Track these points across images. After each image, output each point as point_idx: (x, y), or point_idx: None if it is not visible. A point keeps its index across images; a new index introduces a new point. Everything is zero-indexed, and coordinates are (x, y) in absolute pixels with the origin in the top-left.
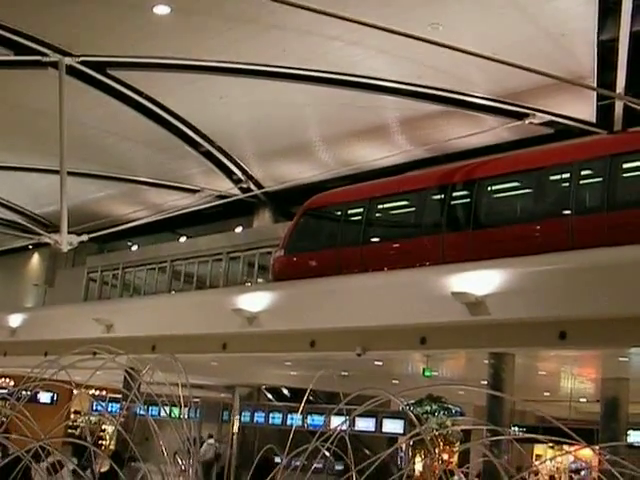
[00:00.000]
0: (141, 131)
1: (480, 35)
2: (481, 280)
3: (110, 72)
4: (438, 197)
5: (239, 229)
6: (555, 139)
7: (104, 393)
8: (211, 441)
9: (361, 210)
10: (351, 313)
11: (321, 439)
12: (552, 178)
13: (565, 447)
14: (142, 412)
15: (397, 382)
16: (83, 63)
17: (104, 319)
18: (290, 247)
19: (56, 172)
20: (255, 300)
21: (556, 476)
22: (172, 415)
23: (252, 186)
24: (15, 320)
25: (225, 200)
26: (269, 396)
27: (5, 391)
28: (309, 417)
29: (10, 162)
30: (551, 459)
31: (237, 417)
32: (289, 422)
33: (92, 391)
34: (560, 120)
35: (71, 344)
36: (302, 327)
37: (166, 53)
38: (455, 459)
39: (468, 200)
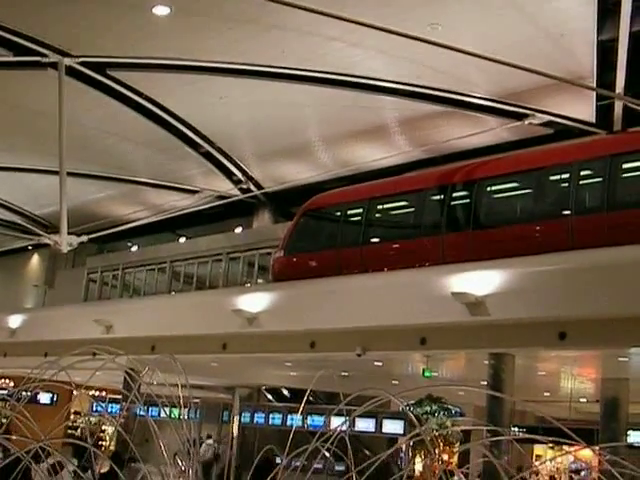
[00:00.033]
0: (141, 132)
1: (480, 35)
2: (481, 280)
3: (110, 73)
4: (438, 197)
5: (239, 230)
6: (555, 139)
7: (104, 394)
8: (210, 441)
9: (361, 211)
10: (351, 314)
11: (321, 439)
12: (552, 178)
13: (565, 447)
14: (142, 413)
15: (397, 382)
16: (83, 64)
17: (104, 320)
18: (290, 248)
19: (56, 173)
20: (255, 301)
21: (556, 476)
22: (172, 416)
23: (252, 187)
24: (15, 321)
25: (225, 201)
26: (269, 397)
27: (5, 392)
28: (309, 418)
29: (10, 163)
30: (551, 459)
31: (237, 418)
32: (289, 423)
33: (92, 392)
34: (560, 120)
35: (71, 345)
36: (302, 328)
37: (166, 54)
38: (455, 459)
39: (468, 200)
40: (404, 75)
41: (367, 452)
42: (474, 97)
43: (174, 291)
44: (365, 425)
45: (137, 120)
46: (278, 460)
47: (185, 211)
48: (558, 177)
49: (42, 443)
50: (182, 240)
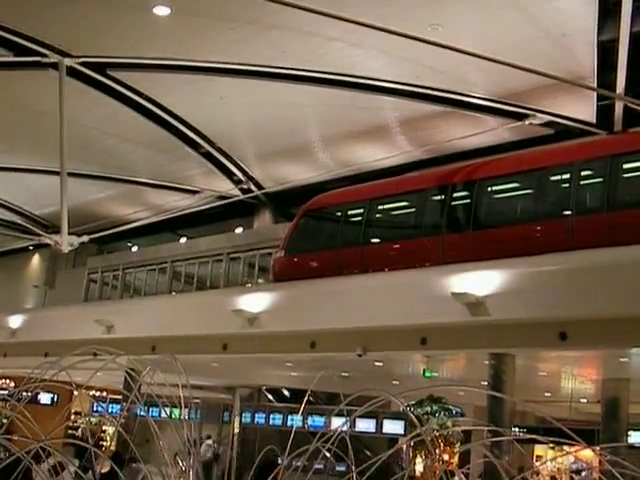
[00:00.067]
0: (141, 132)
1: (480, 35)
2: (481, 280)
3: (110, 73)
4: (438, 198)
5: (239, 230)
6: (555, 140)
7: (104, 394)
8: (209, 442)
9: (361, 211)
10: (351, 314)
11: (322, 440)
12: (552, 179)
13: (566, 448)
14: (142, 413)
15: (397, 383)
16: (83, 64)
17: (104, 320)
18: (290, 248)
19: (56, 173)
20: (255, 301)
21: (557, 477)
22: (172, 416)
23: (252, 187)
24: (15, 321)
25: (225, 201)
26: (270, 397)
27: (5, 392)
28: (309, 418)
29: (10, 163)
30: (552, 460)
31: (238, 418)
32: (290, 423)
33: (92, 392)
34: (560, 121)
35: (71, 345)
36: (302, 328)
37: (166, 54)
38: (456, 460)
39: (468, 201)
40: (404, 75)
41: (368, 452)
42: (474, 97)
43: (175, 291)
44: (366, 425)
45: (137, 120)
46: (280, 461)
47: (186, 211)
48: (559, 177)
49: (43, 443)
50: (183, 240)
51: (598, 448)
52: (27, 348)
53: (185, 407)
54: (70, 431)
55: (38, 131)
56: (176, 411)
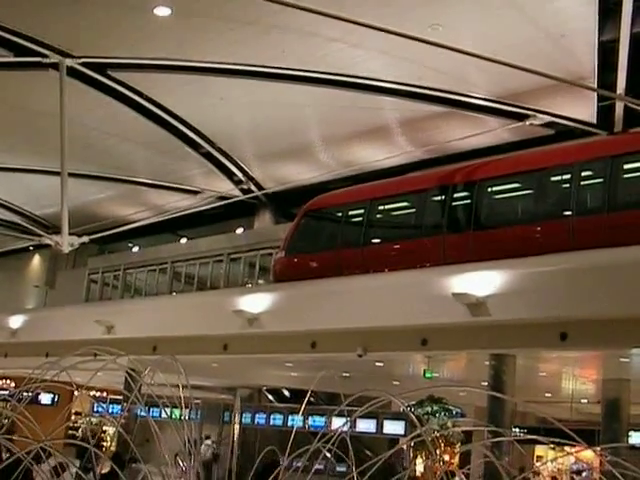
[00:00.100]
0: (142, 132)
1: (480, 36)
2: (482, 281)
3: (111, 73)
4: (439, 198)
5: (240, 230)
6: (556, 140)
7: (105, 394)
8: (208, 442)
9: (362, 211)
10: (352, 314)
11: (322, 440)
12: (553, 179)
13: (566, 448)
14: (143, 413)
15: (398, 383)
16: (84, 64)
17: (105, 320)
18: (291, 248)
19: (57, 173)
20: (256, 301)
21: (557, 477)
22: (173, 416)
23: (253, 187)
24: (16, 321)
25: (226, 201)
26: (270, 397)
27: (6, 392)
28: (310, 418)
29: (11, 163)
30: (552, 460)
31: (238, 418)
32: (290, 423)
33: (93, 392)
34: (561, 121)
35: (72, 345)
36: (303, 328)
37: (167, 54)
38: (456, 460)
39: (469, 201)
40: (405, 76)
41: (368, 453)
42: (475, 98)
43: (175, 292)
44: (366, 426)
45: (138, 120)
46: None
47: (186, 212)
48: (559, 178)
49: (43, 444)
50: (183, 241)
51: (599, 449)
52: (28, 348)
53: (185, 407)
54: (70, 431)
55: (39, 131)
56: (176, 411)
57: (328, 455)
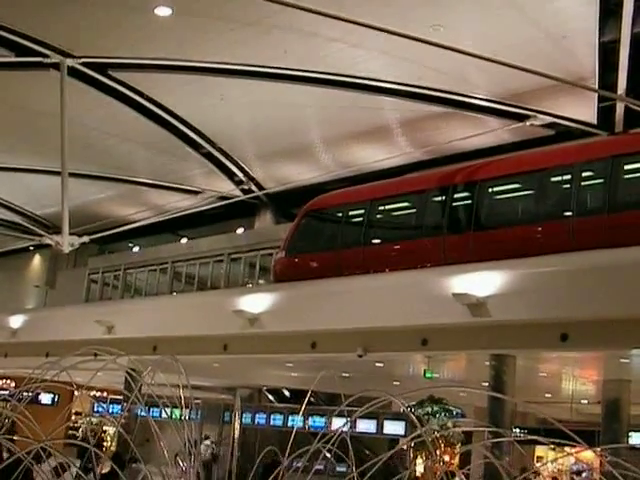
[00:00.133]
0: (142, 132)
1: (481, 36)
2: (482, 281)
3: (111, 73)
4: (439, 199)
5: (240, 230)
6: (556, 141)
7: (105, 394)
8: (207, 442)
9: (362, 212)
10: (352, 314)
11: (322, 441)
12: (553, 180)
13: (566, 449)
14: (143, 413)
15: (398, 383)
16: (84, 64)
17: (105, 320)
18: (291, 249)
19: (57, 173)
20: (256, 301)
21: (558, 478)
22: (173, 416)
23: (253, 187)
24: (16, 321)
25: (226, 201)
26: (270, 397)
27: (6, 392)
28: (310, 418)
29: (11, 163)
30: (552, 461)
31: (238, 418)
32: (290, 423)
33: (93, 392)
34: (561, 122)
35: (72, 345)
36: (303, 328)
37: (167, 54)
38: (456, 461)
39: (469, 202)
40: (405, 76)
41: (368, 453)
42: (476, 98)
43: (175, 292)
44: (366, 426)
45: (138, 120)
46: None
47: (186, 212)
48: (559, 178)
49: (43, 444)
50: (183, 241)
51: (599, 449)
52: (28, 348)
53: (186, 407)
54: (70, 431)
55: (39, 131)
56: (177, 411)
57: (328, 455)
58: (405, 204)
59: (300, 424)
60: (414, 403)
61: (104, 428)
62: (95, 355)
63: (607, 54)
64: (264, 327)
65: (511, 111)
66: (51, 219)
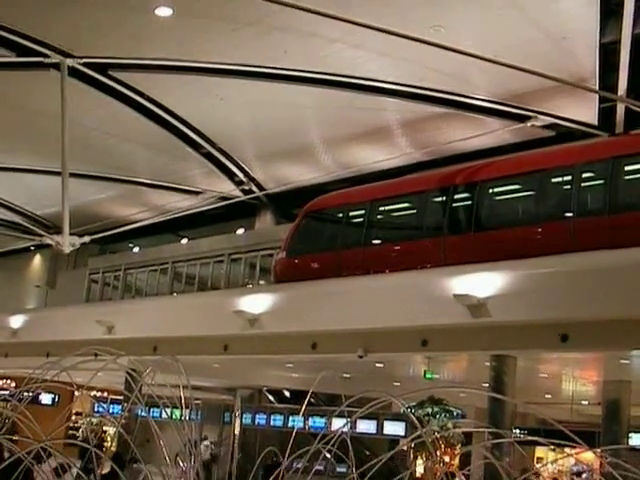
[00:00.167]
0: (142, 132)
1: (482, 37)
2: (482, 282)
3: (112, 73)
4: (440, 199)
5: (241, 231)
6: (557, 142)
7: (105, 395)
8: (206, 443)
9: (362, 212)
10: (352, 315)
11: (322, 441)
12: (554, 180)
13: (567, 450)
14: (143, 414)
15: (398, 384)
16: (85, 64)
17: (106, 320)
18: (292, 249)
19: (58, 173)
20: (257, 302)
21: (558, 479)
22: (173, 417)
23: (254, 188)
24: (17, 321)
25: (227, 202)
26: (270, 398)
27: (6, 392)
28: (310, 419)
29: (12, 163)
30: (553, 462)
31: (238, 419)
32: (290, 424)
33: (93, 393)
34: (562, 122)
35: (73, 345)
36: (303, 329)
37: (168, 55)
38: (456, 461)
39: (470, 202)
40: (406, 77)
41: (368, 453)
42: (476, 99)
43: (176, 292)
44: (366, 427)
45: (139, 121)
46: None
47: (187, 212)
48: (560, 179)
49: (44, 444)
50: (184, 241)
51: (599, 450)
52: (28, 348)
53: (186, 408)
54: (71, 431)
55: (40, 131)
56: (177, 412)
57: (328, 456)
58: (405, 205)
59: (300, 425)
60: (414, 404)
61: (104, 428)
62: (95, 355)
63: (608, 55)
64: (264, 328)
65: (511, 112)
66: (51, 219)
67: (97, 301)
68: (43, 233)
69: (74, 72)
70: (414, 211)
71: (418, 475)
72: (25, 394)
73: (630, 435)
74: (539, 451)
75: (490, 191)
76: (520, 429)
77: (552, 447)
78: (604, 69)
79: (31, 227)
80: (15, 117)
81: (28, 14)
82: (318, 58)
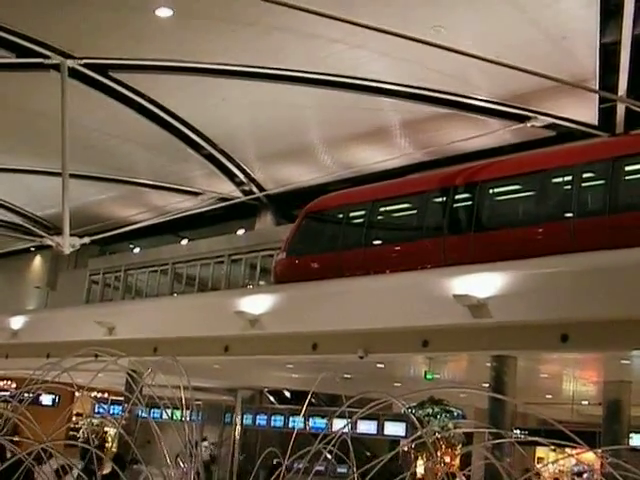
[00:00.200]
0: (143, 133)
1: (482, 38)
2: (483, 282)
3: (112, 74)
4: (440, 200)
5: (241, 231)
6: (557, 142)
7: (106, 395)
8: (205, 443)
9: (363, 213)
10: (353, 316)
11: (323, 442)
12: (554, 181)
13: (567, 450)
14: (144, 415)
15: (399, 385)
16: (85, 65)
17: (106, 321)
18: (292, 250)
19: (58, 174)
20: (257, 303)
21: (559, 479)
22: (174, 418)
23: (254, 188)
24: (17, 322)
25: (227, 202)
26: (271, 399)
27: (7, 393)
28: (311, 420)
29: (12, 164)
30: (553, 462)
31: (239, 420)
32: (291, 425)
33: (94, 394)
34: (562, 123)
35: (73, 346)
36: (304, 330)
37: (168, 55)
38: (457, 462)
39: (470, 203)
40: (406, 77)
41: (368, 454)
42: (477, 99)
43: (176, 293)
44: (367, 427)
45: (139, 122)
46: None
47: (187, 213)
48: (560, 180)
49: (44, 445)
50: (184, 242)
51: (600, 450)
52: (29, 349)
53: (186, 409)
54: (71, 432)
55: (40, 132)
56: (177, 413)
57: (329, 457)
58: (406, 205)
59: (301, 425)
60: (415, 404)
61: (105, 429)
62: (96, 356)
63: (608, 55)
64: (265, 328)
65: (512, 112)
66: (52, 220)
67: (97, 302)
68: (43, 234)
69: (74, 73)
70: (414, 212)
71: (419, 476)
72: (26, 395)
73: (631, 435)
74: (540, 451)
75: (490, 191)
76: (521, 429)
77: (553, 447)
78: (604, 69)
79: (31, 228)
80: (15, 118)
81: (28, 15)
82: (319, 59)
